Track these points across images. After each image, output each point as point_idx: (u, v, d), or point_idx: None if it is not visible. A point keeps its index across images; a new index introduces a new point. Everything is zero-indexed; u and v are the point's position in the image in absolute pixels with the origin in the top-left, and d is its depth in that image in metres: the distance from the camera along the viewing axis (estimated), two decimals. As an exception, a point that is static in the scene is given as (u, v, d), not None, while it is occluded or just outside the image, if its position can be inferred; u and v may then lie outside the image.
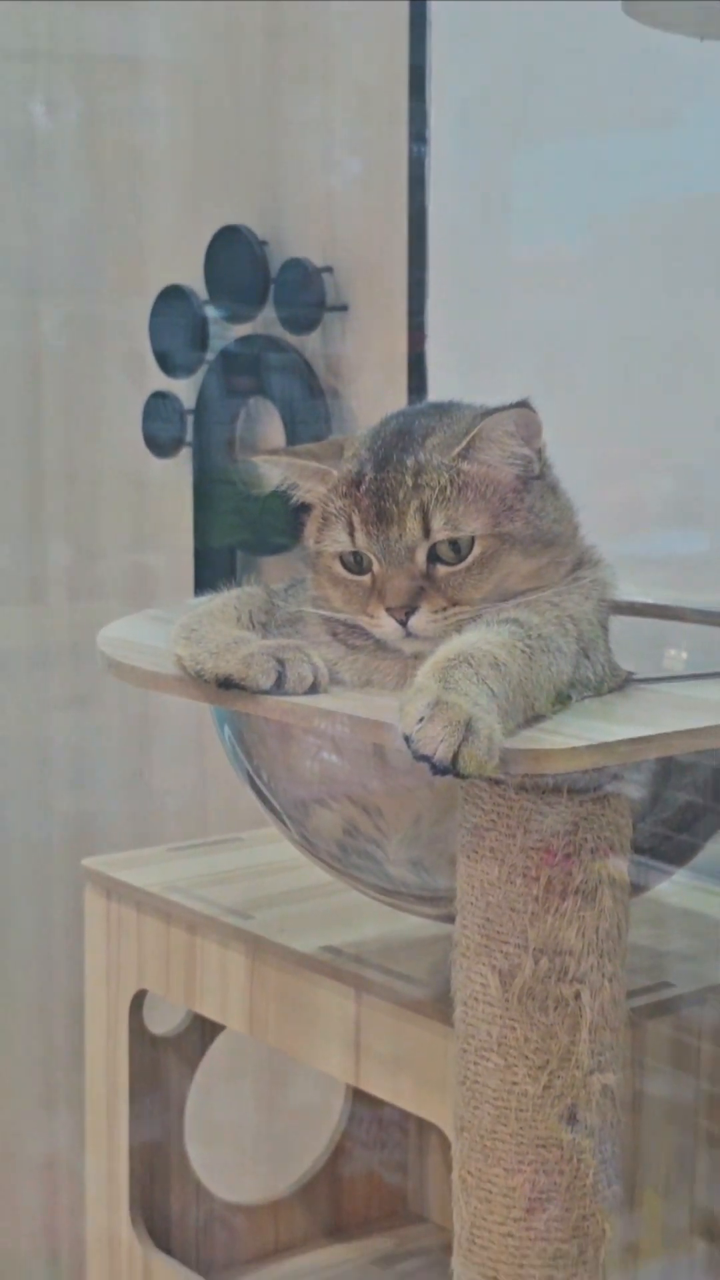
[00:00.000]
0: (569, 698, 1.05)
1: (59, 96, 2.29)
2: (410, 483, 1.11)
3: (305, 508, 1.18)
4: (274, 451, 1.18)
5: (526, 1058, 1.03)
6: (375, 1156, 1.66)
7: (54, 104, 2.29)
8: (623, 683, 1.10)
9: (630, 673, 1.12)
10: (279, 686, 1.10)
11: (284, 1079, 1.77)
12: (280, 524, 1.93)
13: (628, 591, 1.21)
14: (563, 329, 1.68)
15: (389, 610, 1.11)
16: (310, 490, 1.17)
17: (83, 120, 2.26)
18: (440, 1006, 1.17)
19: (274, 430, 1.96)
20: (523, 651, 1.02)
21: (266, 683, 1.09)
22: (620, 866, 1.04)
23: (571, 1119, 1.03)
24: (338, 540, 1.13)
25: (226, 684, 1.10)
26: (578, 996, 1.02)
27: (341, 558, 1.13)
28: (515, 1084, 1.03)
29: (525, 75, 1.69)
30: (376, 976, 1.24)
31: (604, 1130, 1.05)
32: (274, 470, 1.18)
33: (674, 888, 1.43)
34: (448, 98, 1.75)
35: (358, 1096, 1.62)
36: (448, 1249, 1.47)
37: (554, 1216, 1.04)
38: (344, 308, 1.87)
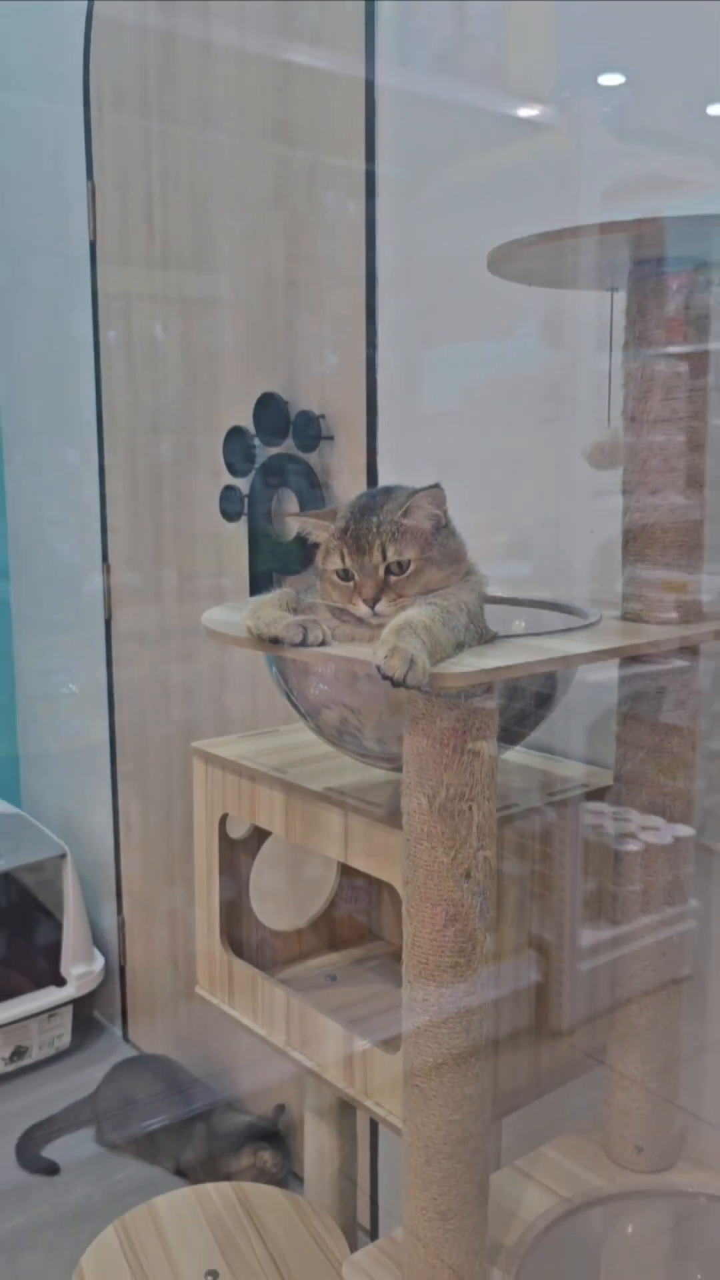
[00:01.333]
0: (462, 647, 1.05)
1: (170, 320, 2.27)
2: (375, 530, 1.10)
3: (315, 545, 1.17)
4: (298, 514, 1.17)
5: (442, 842, 1.04)
6: (353, 904, 1.65)
7: (167, 324, 2.27)
8: (492, 638, 1.11)
9: (495, 632, 1.12)
10: (304, 642, 1.09)
11: (303, 861, 1.77)
12: (295, 557, 1.93)
13: (492, 590, 1.20)
14: (449, 449, 1.67)
15: (364, 601, 1.10)
16: (318, 535, 1.16)
17: (184, 333, 2.23)
18: (393, 818, 1.17)
19: (292, 506, 1.94)
20: (438, 621, 1.03)
21: (296, 640, 1.09)
22: (490, 740, 1.04)
23: (467, 876, 1.04)
24: (335, 563, 1.12)
25: (274, 641, 1.09)
26: (470, 809, 1.03)
27: (337, 572, 1.12)
28: (436, 857, 1.04)
29: (427, 310, 1.68)
30: (356, 803, 1.24)
31: (483, 883, 1.05)
32: (297, 524, 1.16)
33: (515, 754, 1.43)
34: (387, 322, 1.73)
35: (344, 870, 1.61)
36: (394, 955, 1.48)
37: (456, 930, 1.05)
38: (330, 438, 1.85)
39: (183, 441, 2.25)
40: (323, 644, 1.10)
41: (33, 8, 2.58)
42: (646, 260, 1.17)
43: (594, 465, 1.31)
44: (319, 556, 1.15)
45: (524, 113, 1.51)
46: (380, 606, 1.10)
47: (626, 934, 1.27)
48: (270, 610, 1.13)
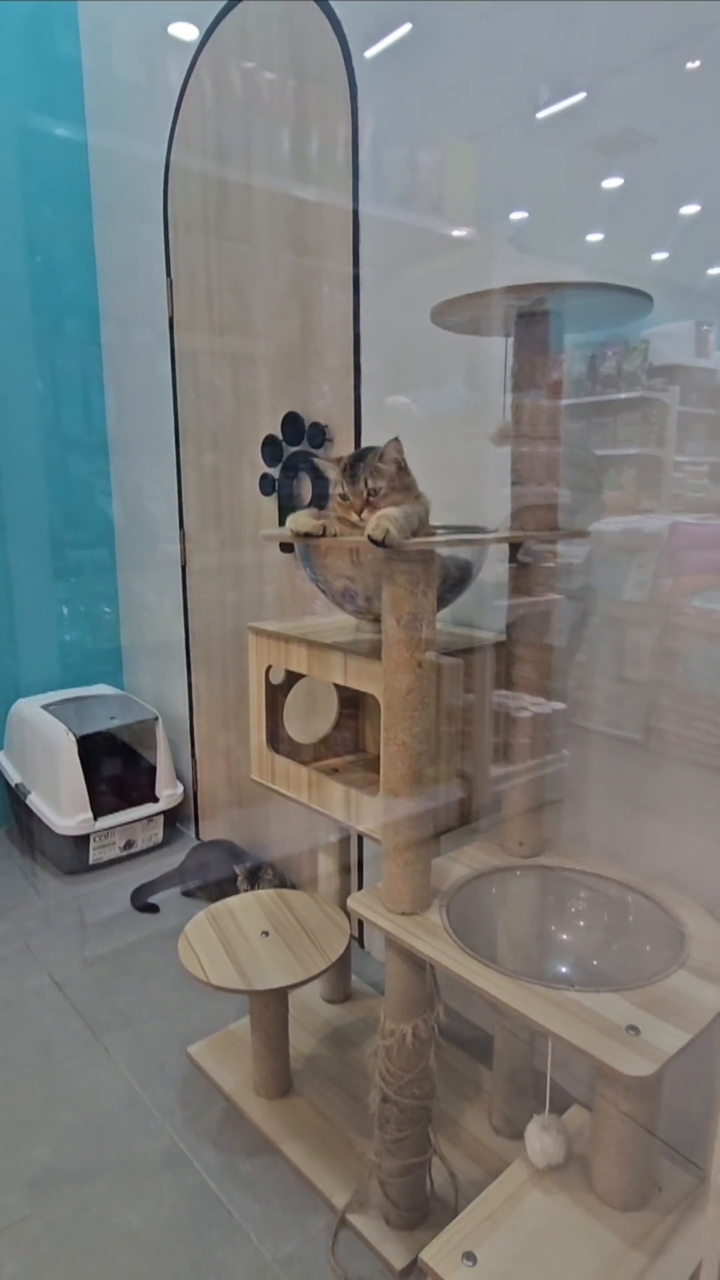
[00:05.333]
0: (415, 533, 1.09)
1: (223, 369, 2.25)
2: (361, 469, 1.15)
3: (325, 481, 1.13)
4: (322, 458, 1.06)
5: (405, 645, 1.07)
6: (350, 722, 1.66)
7: (221, 372, 2.26)
8: (432, 533, 1.15)
9: (434, 529, 1.17)
10: (324, 535, 1.16)
11: (316, 700, 1.70)
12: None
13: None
14: (407, 449, 1.64)
15: (355, 512, 1.15)
16: (329, 472, 1.20)
17: (233, 378, 2.20)
18: (371, 654, 1.21)
19: (307, 488, 1.94)
20: (402, 517, 1.07)
21: (320, 534, 1.16)
22: (431, 587, 1.07)
23: (419, 665, 1.07)
24: (339, 490, 1.16)
25: (307, 536, 1.16)
26: (420, 625, 1.07)
27: (340, 495, 1.16)
28: (402, 653, 1.08)
29: (390, 365, 1.68)
30: (355, 650, 1.26)
31: (428, 670, 1.08)
32: (320, 464, 1.12)
33: (460, 628, 1.45)
34: (366, 371, 1.74)
35: (340, 706, 1.61)
36: (370, 760, 1.53)
37: (414, 698, 1.09)
38: (332, 440, 1.86)
39: (233, 447, 2.25)
40: (335, 536, 1.17)
41: (133, 161, 2.57)
42: (528, 323, 1.17)
43: (495, 443, 1.29)
44: (331, 486, 1.21)
45: (455, 233, 1.51)
46: (364, 514, 1.15)
47: (520, 770, 1.31)
48: (303, 518, 1.21)
